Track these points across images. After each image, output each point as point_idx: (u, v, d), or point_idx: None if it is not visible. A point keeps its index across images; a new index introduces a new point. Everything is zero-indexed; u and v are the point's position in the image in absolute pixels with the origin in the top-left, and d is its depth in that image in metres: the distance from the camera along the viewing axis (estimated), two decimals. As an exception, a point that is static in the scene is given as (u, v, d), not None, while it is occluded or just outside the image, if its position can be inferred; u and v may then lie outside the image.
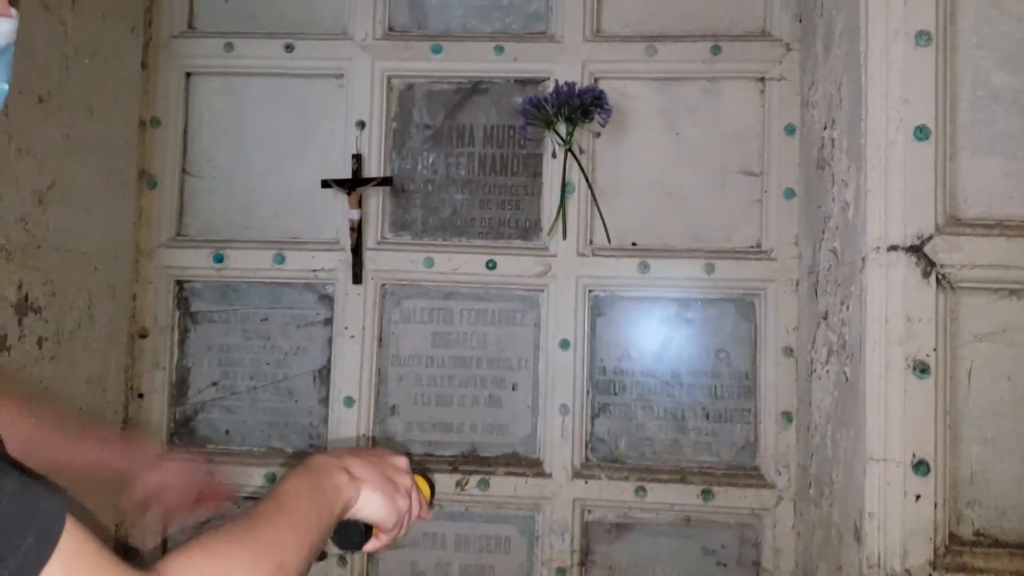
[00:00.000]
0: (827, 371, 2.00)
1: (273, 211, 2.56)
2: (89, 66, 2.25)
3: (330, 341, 2.51)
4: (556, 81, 2.42)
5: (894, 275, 1.68)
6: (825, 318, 2.03)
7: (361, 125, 2.52)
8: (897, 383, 1.67)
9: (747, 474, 2.38)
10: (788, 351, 2.36)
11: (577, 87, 2.36)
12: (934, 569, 1.63)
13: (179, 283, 2.56)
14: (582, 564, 2.39)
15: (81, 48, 2.21)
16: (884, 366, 1.68)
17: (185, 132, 2.59)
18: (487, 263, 2.48)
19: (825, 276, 2.04)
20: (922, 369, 1.66)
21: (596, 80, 2.46)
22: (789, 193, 2.38)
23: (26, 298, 2.03)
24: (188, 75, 2.59)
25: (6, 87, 0.71)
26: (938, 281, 1.67)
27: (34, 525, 0.56)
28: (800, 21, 2.39)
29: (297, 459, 2.45)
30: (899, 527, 1.65)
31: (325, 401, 2.50)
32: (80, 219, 2.24)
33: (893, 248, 1.69)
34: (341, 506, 0.67)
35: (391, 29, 2.57)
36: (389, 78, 2.54)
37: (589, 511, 2.41)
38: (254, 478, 2.43)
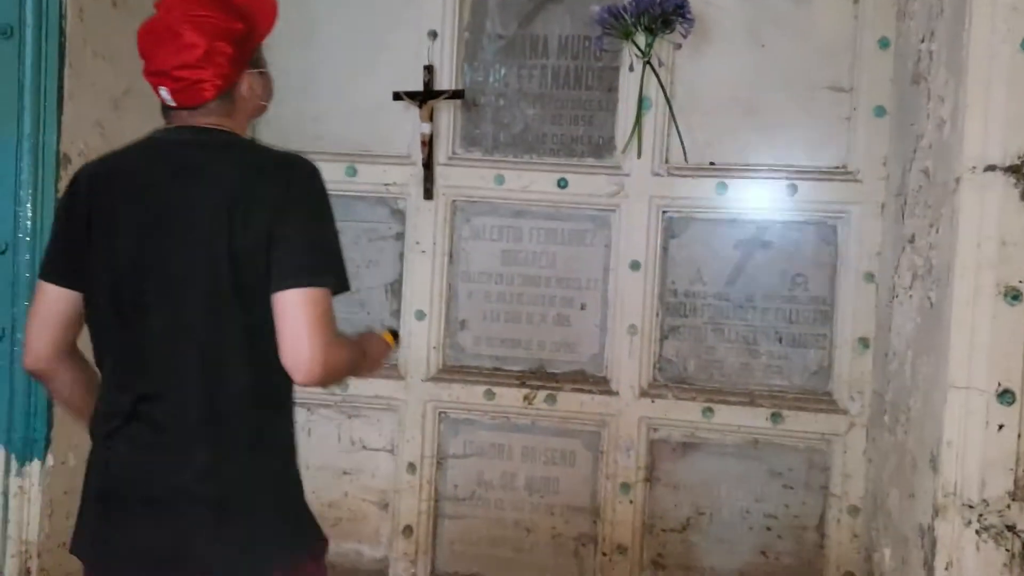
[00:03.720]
0: (910, 296, 1.93)
1: (345, 123, 2.55)
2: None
3: (402, 255, 2.54)
4: (636, -11, 2.32)
5: (990, 197, 1.59)
6: (911, 242, 1.95)
7: (433, 35, 2.47)
8: (986, 309, 1.60)
9: (819, 399, 2.34)
10: (869, 276, 2.28)
11: (658, -6, 2.26)
12: (1013, 500, 1.59)
13: (254, 195, 2.59)
14: (647, 480, 2.41)
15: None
16: (973, 291, 1.60)
17: (259, 42, 2.58)
18: (558, 181, 2.44)
19: (914, 198, 1.95)
20: (1014, 296, 1.58)
21: (678, -12, 2.34)
22: (880, 111, 2.26)
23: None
24: (261, -16, 2.56)
25: None
26: (1038, 204, 1.58)
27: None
28: (902, -77, 2.22)
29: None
30: (978, 457, 1.60)
31: (397, 314, 2.54)
32: (153, 126, 2.27)
33: (991, 168, 1.59)
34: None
35: (465, -67, 2.48)
36: (462, -16, 2.47)
37: (655, 429, 2.42)
38: (328, 386, 2.51)
